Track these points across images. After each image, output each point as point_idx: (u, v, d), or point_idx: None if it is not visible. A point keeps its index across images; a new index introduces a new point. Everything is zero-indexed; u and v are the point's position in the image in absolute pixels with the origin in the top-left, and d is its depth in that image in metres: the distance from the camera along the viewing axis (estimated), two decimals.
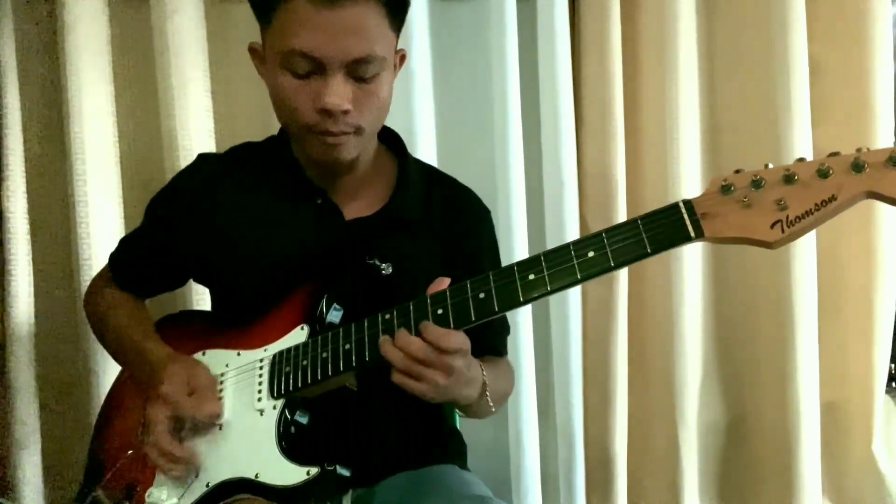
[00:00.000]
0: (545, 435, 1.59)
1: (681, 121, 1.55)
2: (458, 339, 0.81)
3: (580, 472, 1.59)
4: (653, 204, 1.59)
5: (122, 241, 1.12)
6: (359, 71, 0.86)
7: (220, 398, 0.92)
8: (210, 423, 0.90)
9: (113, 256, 1.11)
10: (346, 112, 0.87)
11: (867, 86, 1.57)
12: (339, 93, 0.85)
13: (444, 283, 0.85)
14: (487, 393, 0.91)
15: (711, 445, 1.72)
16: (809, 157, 1.64)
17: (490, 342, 1.07)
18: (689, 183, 1.57)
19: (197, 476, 0.89)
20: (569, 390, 1.56)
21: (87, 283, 1.19)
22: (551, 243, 1.55)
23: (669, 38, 1.54)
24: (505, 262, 1.21)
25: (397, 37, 0.92)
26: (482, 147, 1.52)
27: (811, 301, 1.57)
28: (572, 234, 1.53)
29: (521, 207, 1.49)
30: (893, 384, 1.84)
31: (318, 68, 0.85)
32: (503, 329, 1.13)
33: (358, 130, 0.90)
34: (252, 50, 0.96)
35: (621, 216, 1.56)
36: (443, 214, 1.04)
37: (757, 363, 1.67)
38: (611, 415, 1.60)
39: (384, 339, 0.83)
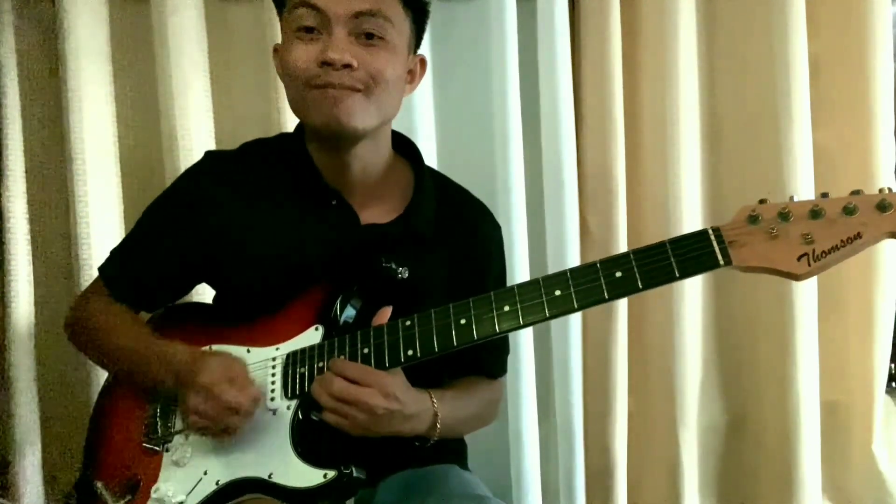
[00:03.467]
0: (545, 435, 1.59)
1: (681, 121, 1.55)
2: (373, 377, 0.83)
3: (580, 472, 1.58)
4: (653, 204, 1.61)
5: (117, 253, 1.05)
6: (363, 26, 0.88)
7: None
8: (253, 409, 0.88)
9: (106, 271, 1.04)
10: (348, 66, 0.87)
11: (867, 86, 1.57)
12: (340, 47, 0.87)
13: (386, 312, 0.89)
14: (438, 424, 0.91)
15: (711, 445, 1.71)
16: (810, 158, 1.65)
17: (482, 363, 1.07)
18: (688, 183, 1.57)
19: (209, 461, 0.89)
20: (569, 390, 1.55)
21: (87, 283, 1.18)
22: (551, 244, 1.55)
23: (669, 38, 1.54)
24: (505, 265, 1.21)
25: (413, 27, 0.95)
26: (482, 147, 1.52)
27: (811, 301, 1.57)
28: (572, 234, 1.53)
29: (521, 207, 1.49)
30: (893, 384, 1.83)
31: (323, 24, 0.88)
32: (500, 350, 1.12)
33: (366, 89, 0.89)
34: (275, 50, 0.98)
35: (621, 216, 1.56)
36: (455, 230, 1.03)
37: (757, 363, 1.66)
38: (611, 415, 1.59)
39: (317, 380, 0.85)
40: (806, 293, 1.56)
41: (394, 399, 0.84)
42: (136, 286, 1.03)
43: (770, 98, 1.55)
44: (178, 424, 0.94)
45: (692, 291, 1.61)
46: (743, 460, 1.71)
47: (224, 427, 0.87)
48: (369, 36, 0.89)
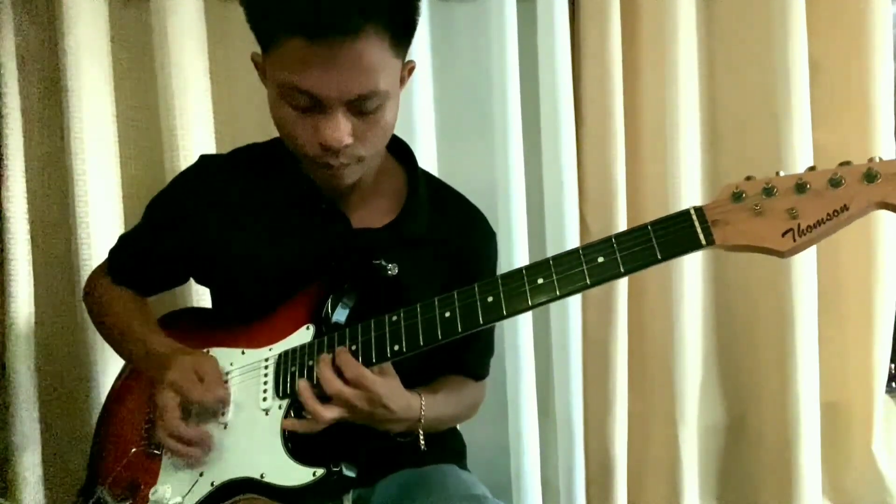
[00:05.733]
0: (545, 435, 1.59)
1: (681, 121, 1.55)
2: (363, 376, 0.83)
3: (580, 471, 1.59)
4: (653, 204, 1.61)
5: (122, 239, 1.11)
6: (360, 106, 0.84)
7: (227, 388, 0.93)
8: (218, 409, 0.91)
9: (112, 253, 1.10)
10: (347, 146, 0.86)
11: (867, 86, 1.56)
12: (339, 130, 0.84)
13: None
14: (420, 431, 0.92)
15: (711, 445, 1.72)
16: (810, 158, 1.65)
17: (467, 364, 1.08)
18: (689, 183, 1.57)
19: (204, 465, 0.90)
20: (569, 390, 1.56)
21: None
22: (551, 244, 1.55)
23: (669, 39, 1.54)
24: (504, 265, 1.21)
25: (404, 57, 0.90)
26: (482, 148, 1.52)
27: (811, 301, 1.57)
28: (572, 233, 1.53)
29: (521, 207, 1.49)
30: (893, 384, 1.83)
31: (317, 104, 0.83)
32: (484, 351, 1.12)
33: (360, 159, 0.90)
34: (254, 62, 0.94)
35: (621, 216, 1.56)
36: (448, 234, 1.03)
37: (757, 363, 1.66)
38: (611, 415, 1.59)
39: (304, 387, 0.86)
40: (806, 293, 1.56)
41: (381, 407, 0.86)
42: (130, 275, 1.08)
43: (770, 98, 1.55)
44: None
45: (692, 291, 1.61)
46: (743, 460, 1.71)
47: (184, 448, 0.88)
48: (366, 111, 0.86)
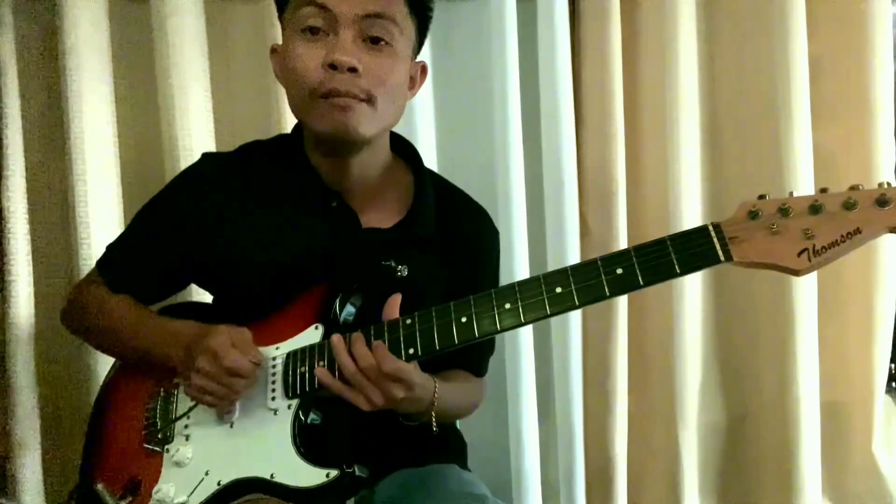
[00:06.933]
0: (545, 435, 1.59)
1: (681, 121, 1.55)
2: (400, 369, 0.83)
3: (580, 471, 1.59)
4: (653, 204, 1.62)
5: (114, 249, 1.05)
6: (370, 29, 0.87)
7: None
8: (254, 373, 0.88)
9: (103, 267, 1.04)
10: (353, 70, 0.86)
11: (867, 86, 1.57)
12: (347, 49, 0.86)
13: (396, 299, 0.88)
14: (433, 414, 0.91)
15: (711, 445, 1.72)
16: (810, 158, 1.65)
17: (470, 361, 1.08)
18: (689, 183, 1.57)
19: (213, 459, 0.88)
20: (569, 390, 1.56)
21: None
22: (551, 244, 1.55)
23: (669, 39, 1.54)
24: (504, 265, 1.21)
25: (416, 31, 0.94)
26: (482, 147, 1.52)
27: (811, 301, 1.57)
28: (572, 234, 1.53)
29: (521, 207, 1.49)
30: (893, 384, 1.83)
31: (329, 25, 0.87)
32: (486, 349, 1.12)
33: (368, 99, 0.89)
34: (273, 50, 0.96)
35: (621, 216, 1.56)
36: (455, 233, 1.03)
37: (757, 363, 1.67)
38: (611, 415, 1.59)
39: (338, 341, 0.85)
40: (806, 293, 1.56)
41: (411, 390, 0.85)
42: (131, 284, 1.03)
43: (770, 98, 1.55)
44: (181, 408, 0.94)
45: (692, 291, 1.61)
46: (743, 460, 1.71)
47: (225, 391, 0.86)
48: (375, 41, 0.88)
